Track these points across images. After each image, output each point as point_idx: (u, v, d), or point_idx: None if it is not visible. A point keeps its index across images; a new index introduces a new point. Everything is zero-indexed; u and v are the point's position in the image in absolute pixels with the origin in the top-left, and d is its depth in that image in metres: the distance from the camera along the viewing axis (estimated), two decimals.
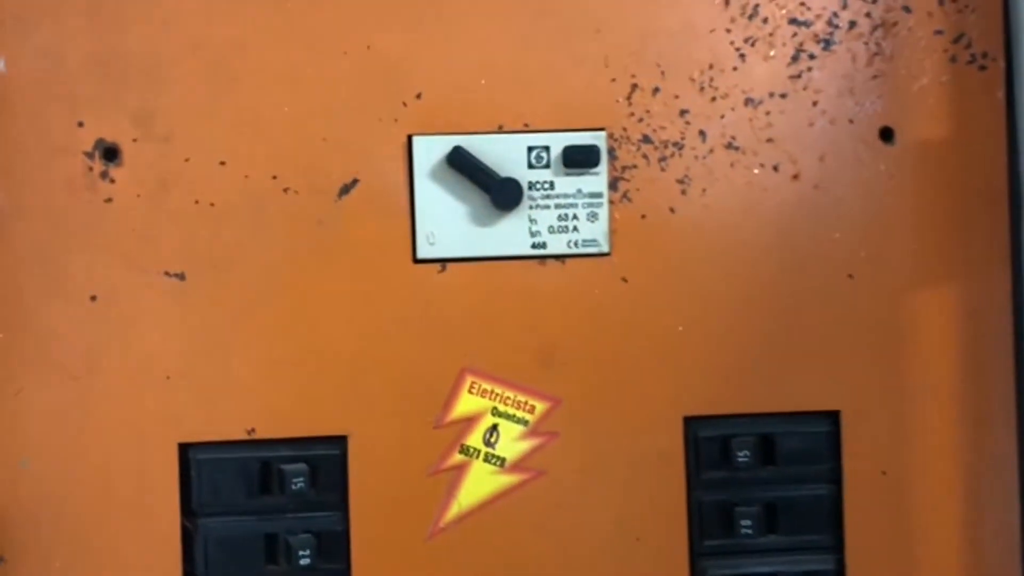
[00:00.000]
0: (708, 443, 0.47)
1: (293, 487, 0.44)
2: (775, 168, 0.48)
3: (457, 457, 0.46)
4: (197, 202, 0.45)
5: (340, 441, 0.45)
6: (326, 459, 0.45)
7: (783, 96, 0.48)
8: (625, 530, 0.46)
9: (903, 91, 0.48)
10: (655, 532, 0.46)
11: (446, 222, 0.46)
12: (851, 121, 0.48)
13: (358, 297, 0.45)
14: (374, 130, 0.46)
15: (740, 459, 0.46)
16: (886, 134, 0.48)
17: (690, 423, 0.47)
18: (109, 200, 0.44)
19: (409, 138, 0.46)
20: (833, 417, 0.47)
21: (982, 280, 0.48)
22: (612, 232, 0.47)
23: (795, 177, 0.48)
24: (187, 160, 0.45)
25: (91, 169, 0.44)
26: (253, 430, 0.45)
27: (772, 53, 0.48)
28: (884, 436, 0.47)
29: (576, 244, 0.47)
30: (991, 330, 0.48)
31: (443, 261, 0.46)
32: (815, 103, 0.48)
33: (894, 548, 0.47)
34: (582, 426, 0.46)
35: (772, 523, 0.47)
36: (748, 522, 0.46)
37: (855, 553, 0.47)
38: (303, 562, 0.44)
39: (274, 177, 0.45)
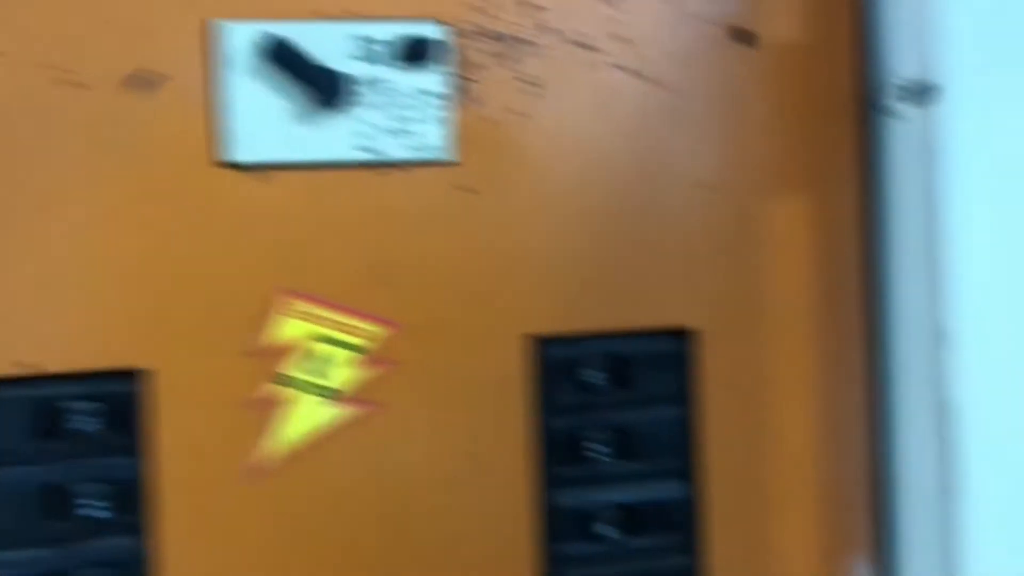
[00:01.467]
0: (557, 365, 0.43)
1: (80, 429, 0.38)
2: (629, 70, 0.44)
3: (275, 388, 0.40)
4: None
5: (136, 375, 0.39)
6: (119, 396, 0.39)
7: None
8: (471, 461, 0.42)
9: None
10: (502, 462, 0.43)
11: (259, 121, 0.40)
12: (707, 21, 0.45)
13: (155, 207, 0.39)
14: (170, 11, 0.39)
15: (590, 381, 0.43)
16: (744, 36, 0.45)
17: (539, 344, 0.43)
18: None
19: (211, 22, 0.39)
20: (687, 336, 0.45)
21: (837, 192, 0.46)
22: (457, 138, 0.42)
23: (648, 80, 0.44)
24: None
25: None
26: (27, 363, 0.38)
27: None
28: (740, 355, 0.46)
29: (415, 150, 0.42)
30: (843, 244, 0.46)
31: (257, 167, 0.40)
32: (674, 3, 0.44)
33: (750, 471, 0.46)
34: (423, 352, 0.42)
35: (625, 448, 0.44)
36: (600, 447, 0.43)
37: (710, 477, 0.45)
38: (96, 514, 0.38)
39: (47, 67, 0.38)
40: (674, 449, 0.45)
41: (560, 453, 0.43)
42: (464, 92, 0.42)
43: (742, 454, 0.46)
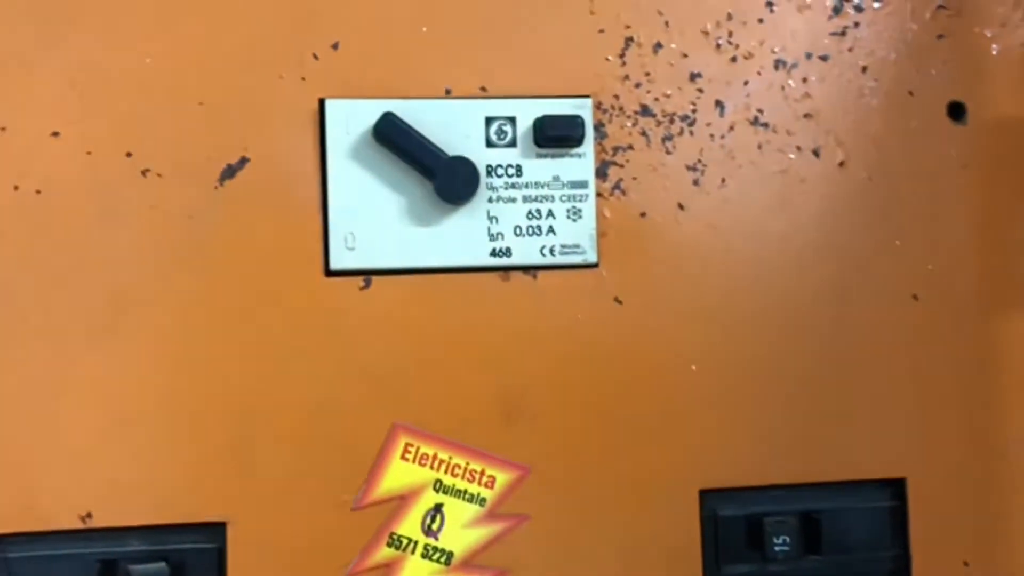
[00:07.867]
0: (731, 525, 0.34)
1: None
2: (815, 152, 0.36)
3: (385, 551, 0.33)
4: (17, 188, 0.32)
5: (216, 530, 0.32)
6: (196, 555, 0.32)
7: (823, 58, 0.36)
8: None
9: (977, 55, 0.37)
10: None
11: (371, 219, 0.33)
12: (911, 93, 0.37)
13: (245, 323, 0.32)
14: (272, 91, 0.33)
15: (776, 547, 0.34)
16: (956, 110, 0.37)
17: (707, 499, 0.34)
18: None
19: (321, 102, 0.33)
20: (897, 487, 0.35)
21: None
22: (601, 236, 0.34)
23: (841, 164, 0.36)
24: (3, 129, 0.32)
25: None
26: (90, 515, 0.31)
27: (808, 1, 0.36)
28: (963, 511, 0.36)
29: (552, 251, 0.34)
30: None
31: (367, 273, 0.33)
32: (864, 69, 0.36)
33: None
34: (559, 505, 0.33)
35: None
36: None
37: None
38: None
39: (128, 155, 0.32)
40: None
41: None
42: (608, 179, 0.35)
43: None
